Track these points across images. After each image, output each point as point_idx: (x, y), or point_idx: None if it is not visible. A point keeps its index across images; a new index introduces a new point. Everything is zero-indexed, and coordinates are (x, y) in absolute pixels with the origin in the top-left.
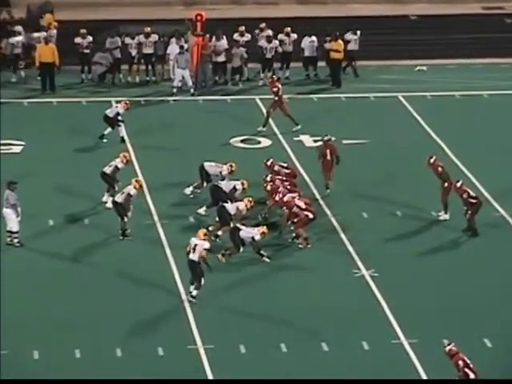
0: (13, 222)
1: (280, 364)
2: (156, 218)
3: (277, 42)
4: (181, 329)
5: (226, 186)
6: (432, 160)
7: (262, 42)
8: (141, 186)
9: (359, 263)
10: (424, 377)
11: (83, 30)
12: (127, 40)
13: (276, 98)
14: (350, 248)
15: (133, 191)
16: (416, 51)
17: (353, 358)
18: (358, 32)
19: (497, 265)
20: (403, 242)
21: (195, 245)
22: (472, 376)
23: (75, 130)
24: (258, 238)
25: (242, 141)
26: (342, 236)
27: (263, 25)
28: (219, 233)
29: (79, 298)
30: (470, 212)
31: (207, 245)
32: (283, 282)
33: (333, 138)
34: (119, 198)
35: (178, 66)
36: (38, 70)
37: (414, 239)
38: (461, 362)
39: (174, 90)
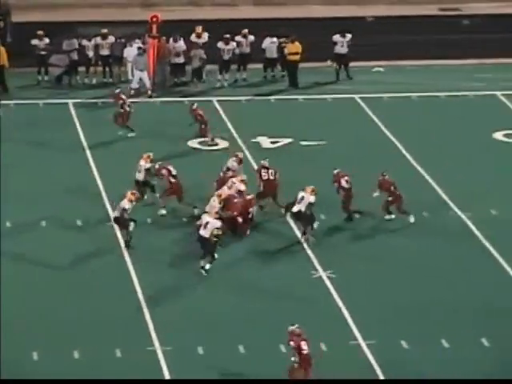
0: None
1: (239, 365)
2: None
3: (234, 43)
4: (139, 330)
5: None
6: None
7: (220, 44)
8: (138, 199)
9: (317, 264)
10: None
11: (40, 32)
12: (84, 42)
13: (121, 110)
14: (308, 250)
15: (127, 205)
16: (373, 52)
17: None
18: (348, 35)
19: (454, 263)
20: (360, 243)
21: (207, 222)
22: (305, 352)
23: (32, 131)
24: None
25: (200, 142)
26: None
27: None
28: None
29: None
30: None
31: (219, 224)
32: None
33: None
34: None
35: (136, 67)
36: None
37: (369, 240)
38: (293, 343)
39: (132, 92)
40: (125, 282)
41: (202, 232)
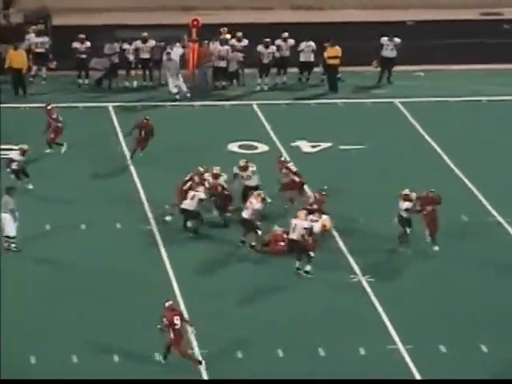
0: (10, 227)
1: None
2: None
3: (274, 47)
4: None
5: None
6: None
7: (260, 48)
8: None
9: (356, 268)
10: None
11: (82, 35)
12: (125, 45)
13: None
14: (347, 253)
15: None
16: (413, 56)
17: (349, 363)
18: (397, 39)
19: (491, 269)
20: (398, 248)
21: (295, 224)
22: (177, 326)
23: (72, 134)
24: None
25: (240, 146)
26: (339, 241)
27: (224, 29)
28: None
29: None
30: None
31: (305, 224)
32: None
33: None
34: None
35: (169, 73)
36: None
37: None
38: (166, 320)
39: (177, 96)
40: (164, 286)
41: (292, 235)
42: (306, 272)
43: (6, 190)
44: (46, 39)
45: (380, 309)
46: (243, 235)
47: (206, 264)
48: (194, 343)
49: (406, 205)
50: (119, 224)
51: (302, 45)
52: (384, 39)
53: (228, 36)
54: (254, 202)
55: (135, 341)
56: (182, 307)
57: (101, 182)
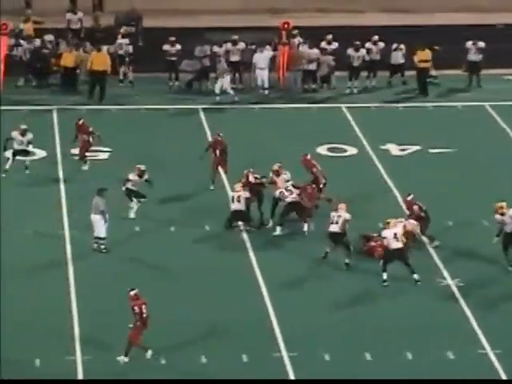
0: (100, 228)
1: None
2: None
3: (364, 50)
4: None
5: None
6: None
7: (350, 51)
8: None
9: (444, 272)
10: None
11: (172, 38)
12: (215, 48)
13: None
14: (436, 257)
15: None
16: (503, 60)
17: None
18: (481, 43)
19: None
20: (488, 252)
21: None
22: (145, 315)
23: (162, 136)
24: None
25: (329, 149)
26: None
27: (296, 31)
28: None
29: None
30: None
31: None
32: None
33: None
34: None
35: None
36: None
37: (497, 247)
38: (137, 308)
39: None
40: (252, 286)
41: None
42: (416, 281)
43: (98, 191)
44: (126, 41)
45: (468, 313)
46: (330, 248)
47: (294, 272)
48: (282, 346)
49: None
50: (208, 226)
51: (392, 47)
52: (469, 43)
53: (300, 39)
54: (343, 213)
55: (222, 343)
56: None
57: (189, 185)
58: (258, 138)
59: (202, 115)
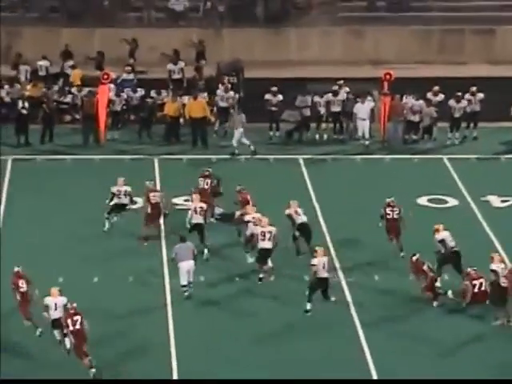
0: (183, 276)
1: None
2: None
3: (465, 101)
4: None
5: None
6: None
7: (451, 102)
8: None
9: None
10: None
11: (274, 88)
12: (316, 98)
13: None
14: None
15: None
16: None
17: None
18: None
19: None
20: None
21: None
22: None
23: (264, 187)
24: None
25: (429, 200)
26: None
27: (341, 82)
28: None
29: None
30: None
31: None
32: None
33: None
34: None
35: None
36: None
37: None
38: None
39: (367, 142)
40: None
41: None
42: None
43: (180, 237)
44: (231, 94)
45: None
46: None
47: None
48: None
49: None
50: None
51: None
52: None
53: (347, 88)
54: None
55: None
56: None
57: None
58: (358, 188)
59: (302, 165)
